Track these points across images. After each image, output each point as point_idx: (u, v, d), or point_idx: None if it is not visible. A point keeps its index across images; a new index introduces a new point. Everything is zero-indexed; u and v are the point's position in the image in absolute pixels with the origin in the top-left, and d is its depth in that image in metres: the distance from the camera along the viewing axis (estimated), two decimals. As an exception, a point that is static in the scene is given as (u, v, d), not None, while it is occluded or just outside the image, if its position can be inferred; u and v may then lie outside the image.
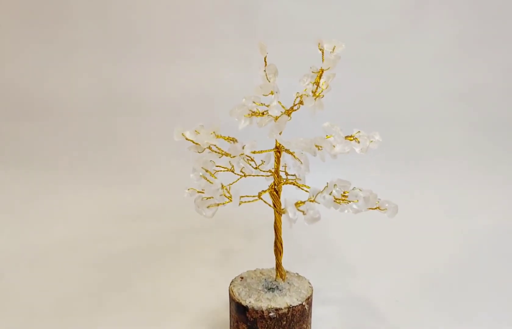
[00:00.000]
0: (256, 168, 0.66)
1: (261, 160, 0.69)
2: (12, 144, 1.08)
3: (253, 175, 0.65)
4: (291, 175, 0.67)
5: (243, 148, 0.54)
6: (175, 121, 1.06)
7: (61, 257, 0.89)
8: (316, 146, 0.53)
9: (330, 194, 0.53)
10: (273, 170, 0.64)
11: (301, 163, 0.65)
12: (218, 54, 1.07)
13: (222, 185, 0.55)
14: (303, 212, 0.49)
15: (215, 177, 0.55)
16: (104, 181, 1.06)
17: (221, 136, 0.54)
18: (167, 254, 0.91)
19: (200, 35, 1.06)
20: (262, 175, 0.66)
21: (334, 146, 0.53)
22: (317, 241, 0.96)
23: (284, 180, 0.64)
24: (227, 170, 0.65)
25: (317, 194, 0.51)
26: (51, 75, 1.07)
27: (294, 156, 0.65)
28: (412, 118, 1.12)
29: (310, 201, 0.50)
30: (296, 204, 0.50)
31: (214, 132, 0.52)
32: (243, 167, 0.65)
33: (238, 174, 0.65)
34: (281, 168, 0.66)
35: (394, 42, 1.11)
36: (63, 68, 1.07)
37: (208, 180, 0.54)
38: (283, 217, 0.58)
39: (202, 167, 0.54)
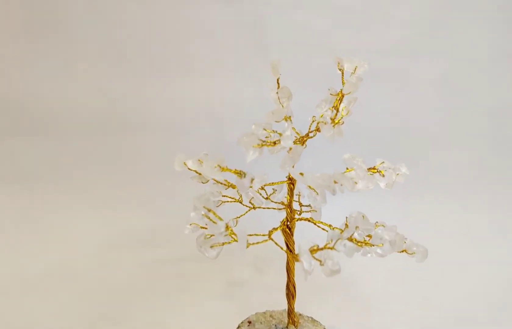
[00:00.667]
0: (266, 198, 0.60)
1: (273, 189, 0.62)
2: (7, 161, 1.02)
3: (263, 208, 0.59)
4: (306, 205, 0.60)
5: (251, 181, 0.48)
6: (181, 140, 1.00)
7: (55, 285, 0.83)
8: (335, 182, 0.46)
9: (351, 238, 0.46)
10: (285, 203, 0.58)
11: (317, 194, 0.58)
12: (227, 69, 1.01)
13: (227, 227, 0.48)
14: (320, 261, 0.42)
15: (220, 218, 0.48)
16: (105, 203, 1.00)
17: (226, 168, 0.47)
18: (169, 284, 0.84)
19: (208, 49, 1.00)
20: (273, 208, 0.60)
21: (356, 183, 0.46)
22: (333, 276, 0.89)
23: (298, 213, 0.57)
24: (234, 201, 0.58)
25: (337, 240, 0.44)
26: (49, 89, 1.02)
27: (309, 186, 0.59)
28: (436, 139, 1.05)
29: (328, 248, 0.43)
30: (312, 250, 0.44)
31: (218, 165, 0.46)
32: (253, 198, 0.58)
33: (246, 206, 0.59)
34: (294, 198, 0.59)
35: (415, 56, 1.04)
36: (62, 83, 1.02)
37: (211, 220, 0.47)
38: (297, 266, 0.51)
39: (204, 207, 0.47)
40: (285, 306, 0.59)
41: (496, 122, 1.04)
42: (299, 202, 0.60)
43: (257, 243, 0.52)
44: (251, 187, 0.47)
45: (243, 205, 0.59)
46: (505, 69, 1.04)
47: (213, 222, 0.47)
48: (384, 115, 1.05)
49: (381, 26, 1.02)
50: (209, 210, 0.47)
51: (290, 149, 0.49)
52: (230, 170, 0.48)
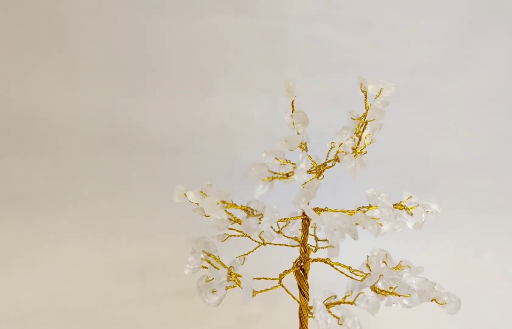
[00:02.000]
0: (278, 232, 0.54)
1: (286, 221, 0.56)
2: (0, 184, 0.98)
3: (274, 244, 0.53)
4: (322, 240, 0.54)
5: (259, 220, 0.42)
6: (189, 160, 0.95)
7: (50, 317, 0.78)
8: (357, 224, 0.40)
9: (374, 287, 0.40)
10: (299, 239, 0.52)
11: (335, 229, 0.52)
12: (240, 86, 0.95)
13: (230, 273, 0.42)
14: (338, 319, 0.36)
15: (222, 264, 0.42)
16: (105, 231, 0.94)
17: (232, 204, 0.41)
18: (173, 320, 0.78)
19: (220, 63, 0.95)
20: (285, 245, 0.54)
21: (381, 225, 0.39)
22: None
23: (313, 250, 0.51)
24: (242, 235, 0.53)
25: (358, 294, 0.37)
26: (50, 105, 0.97)
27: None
28: (464, 164, 0.97)
29: (348, 302, 0.37)
30: (329, 304, 0.37)
31: (222, 201, 0.40)
32: (262, 232, 0.52)
33: (255, 241, 0.53)
34: (310, 231, 0.53)
35: (443, 75, 0.96)
36: (64, 99, 0.97)
37: (212, 264, 0.42)
38: (311, 321, 0.44)
39: (203, 251, 0.41)
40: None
41: None
42: (314, 235, 0.54)
43: (266, 290, 0.46)
44: (259, 228, 0.41)
45: (252, 239, 0.53)
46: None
47: (214, 267, 0.41)
48: (408, 139, 0.98)
49: (406, 43, 0.96)
50: (209, 255, 0.41)
51: (305, 182, 0.43)
52: (236, 206, 0.42)
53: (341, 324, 0.36)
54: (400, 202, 0.47)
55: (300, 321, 0.50)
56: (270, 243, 0.52)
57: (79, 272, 0.88)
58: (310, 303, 0.44)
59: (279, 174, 0.42)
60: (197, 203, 0.46)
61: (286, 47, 0.96)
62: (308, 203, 0.42)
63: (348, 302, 0.38)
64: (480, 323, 0.76)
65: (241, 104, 0.96)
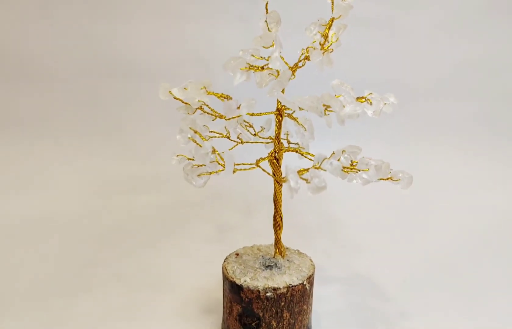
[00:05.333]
0: (255, 134, 0.60)
1: (261, 127, 0.62)
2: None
3: (251, 142, 0.58)
4: (294, 143, 0.60)
5: (238, 107, 0.47)
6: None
7: (41, 231, 0.83)
8: (324, 105, 0.46)
9: (338, 160, 0.46)
10: (273, 137, 0.57)
11: (305, 129, 0.58)
12: (214, 11, 0.98)
13: (214, 149, 0.48)
14: (306, 180, 0.42)
15: (205, 139, 0.48)
16: (91, 150, 0.98)
17: (213, 92, 0.47)
18: (157, 229, 0.85)
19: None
20: (261, 142, 0.59)
21: (344, 106, 0.45)
22: (320, 218, 0.90)
23: (286, 147, 0.57)
24: (222, 136, 0.58)
25: (323, 160, 0.44)
26: (30, 33, 0.98)
27: (297, 121, 0.58)
28: (425, 88, 1.04)
29: (315, 168, 0.44)
30: (299, 172, 0.44)
31: (204, 87, 0.45)
32: (240, 134, 0.58)
33: (234, 141, 0.58)
34: (282, 136, 0.59)
35: (408, 3, 1.02)
36: (43, 26, 0.98)
37: (197, 143, 0.47)
38: (284, 187, 0.51)
39: (190, 128, 0.47)
40: (272, 242, 0.60)
41: (485, 73, 1.03)
42: (287, 140, 0.60)
43: (244, 169, 0.52)
44: (239, 116, 0.46)
45: (231, 140, 0.58)
46: (504, 19, 1.01)
47: (199, 145, 0.46)
48: (376, 65, 1.04)
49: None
50: (195, 132, 0.47)
51: (278, 73, 0.48)
52: (217, 94, 0.47)
53: (309, 182, 0.42)
54: (363, 96, 0.53)
55: (275, 205, 0.56)
56: (247, 142, 0.58)
57: (66, 189, 0.92)
58: (283, 175, 0.50)
59: (255, 66, 0.48)
60: (180, 100, 0.50)
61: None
62: (283, 91, 0.48)
63: (315, 168, 0.44)
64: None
65: (216, 31, 1.00)
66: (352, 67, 0.95)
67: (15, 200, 0.90)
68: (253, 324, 0.53)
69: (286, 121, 0.59)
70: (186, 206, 0.91)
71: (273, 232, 0.57)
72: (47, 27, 0.97)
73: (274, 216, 0.56)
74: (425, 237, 0.83)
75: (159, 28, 0.98)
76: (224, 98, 0.47)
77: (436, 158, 1.00)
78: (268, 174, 0.54)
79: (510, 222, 0.89)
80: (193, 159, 0.53)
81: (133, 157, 0.98)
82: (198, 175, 0.51)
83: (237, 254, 0.59)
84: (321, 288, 0.67)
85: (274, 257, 0.58)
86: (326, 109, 0.47)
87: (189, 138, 0.47)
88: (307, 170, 0.44)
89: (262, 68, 0.48)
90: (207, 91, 0.46)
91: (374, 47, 1.01)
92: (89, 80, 0.98)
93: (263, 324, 0.53)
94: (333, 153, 0.50)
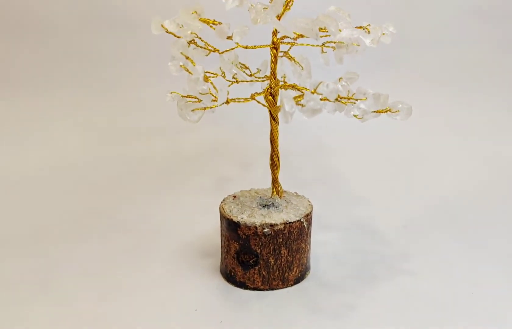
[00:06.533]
0: (250, 75, 0.58)
1: (257, 68, 0.60)
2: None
3: (247, 81, 0.57)
4: (291, 84, 0.59)
5: (230, 38, 0.46)
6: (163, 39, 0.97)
7: (40, 182, 0.83)
8: (320, 29, 0.44)
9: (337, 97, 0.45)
10: (268, 75, 0.56)
11: (302, 68, 0.57)
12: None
13: (206, 77, 0.47)
14: (302, 105, 0.41)
15: (195, 64, 0.46)
16: (88, 103, 0.98)
17: (204, 19, 0.45)
18: (155, 181, 0.84)
19: None
20: (257, 80, 0.58)
21: (340, 30, 0.44)
22: (320, 169, 0.89)
23: (282, 84, 0.56)
24: (216, 76, 0.57)
25: (319, 84, 0.43)
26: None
27: (294, 60, 0.57)
28: (426, 35, 1.01)
29: (311, 92, 0.42)
30: (294, 98, 0.43)
31: (195, 12, 0.44)
32: (236, 74, 0.57)
33: (229, 81, 0.57)
34: (279, 78, 0.58)
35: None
36: None
37: (188, 71, 0.46)
38: (279, 114, 0.50)
39: (181, 53, 0.45)
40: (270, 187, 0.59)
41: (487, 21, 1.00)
42: (284, 81, 0.59)
43: (238, 101, 0.51)
44: (232, 43, 0.44)
45: (226, 80, 0.57)
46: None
47: (190, 73, 0.45)
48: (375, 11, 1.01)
49: None
50: (187, 58, 0.45)
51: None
52: (209, 20, 0.46)
53: (304, 106, 0.41)
54: (360, 25, 0.51)
55: (271, 144, 0.55)
56: (243, 81, 0.57)
57: (63, 141, 0.92)
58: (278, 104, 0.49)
59: (248, -7, 0.46)
60: (172, 33, 0.49)
61: None
62: (279, 18, 0.46)
63: (311, 92, 0.43)
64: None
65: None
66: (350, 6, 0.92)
67: (15, 154, 0.90)
68: (251, 261, 0.53)
69: (283, 61, 0.57)
70: (184, 160, 0.90)
71: (270, 171, 0.56)
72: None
73: (271, 156, 0.56)
74: (426, 189, 0.83)
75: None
76: (216, 24, 0.46)
77: (438, 107, 0.99)
78: (263, 105, 0.53)
79: (509, 170, 0.88)
80: (187, 96, 0.52)
81: (132, 110, 0.98)
82: (192, 110, 0.50)
83: (235, 196, 0.59)
84: (320, 233, 0.67)
85: (271, 197, 0.57)
86: (323, 44, 0.46)
87: (181, 65, 0.46)
88: (302, 96, 0.43)
89: None
90: (199, 17, 0.44)
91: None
92: (86, 34, 0.97)
93: (261, 261, 0.53)
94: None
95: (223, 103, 0.47)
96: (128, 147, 0.92)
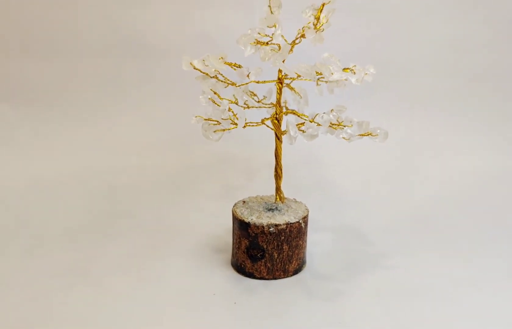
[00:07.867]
0: (258, 102, 0.71)
1: (263, 95, 0.73)
2: (15, 82, 1.10)
3: (256, 107, 0.70)
4: (291, 110, 0.71)
5: (248, 75, 0.59)
6: (177, 62, 1.09)
7: (67, 189, 0.94)
8: (316, 72, 0.57)
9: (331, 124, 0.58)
10: (275, 102, 0.69)
11: (301, 97, 0.70)
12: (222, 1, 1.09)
13: (229, 108, 0.59)
14: (302, 131, 0.54)
15: (222, 98, 0.59)
16: (109, 118, 1.11)
17: (228, 62, 0.58)
18: (170, 188, 0.96)
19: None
20: (264, 107, 0.70)
21: (332, 73, 0.57)
22: (315, 179, 1.01)
23: (285, 111, 0.69)
24: (231, 102, 0.69)
25: (316, 115, 0.55)
26: (53, 12, 1.09)
27: (294, 91, 0.70)
28: (406, 66, 1.13)
29: (310, 121, 0.55)
30: (297, 125, 0.55)
31: (222, 58, 0.56)
32: (247, 100, 0.69)
33: (241, 106, 0.70)
34: (282, 104, 0.70)
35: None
36: (65, 5, 1.09)
37: (215, 103, 0.58)
38: (284, 137, 0.63)
39: (210, 89, 0.58)
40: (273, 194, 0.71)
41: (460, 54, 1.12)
42: (285, 107, 0.72)
43: (252, 125, 0.63)
44: (246, 85, 0.57)
45: (239, 105, 0.69)
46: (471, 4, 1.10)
47: (217, 105, 0.57)
48: (361, 43, 1.13)
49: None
50: (215, 93, 0.58)
51: (279, 48, 0.59)
52: (231, 64, 0.58)
53: (304, 132, 0.53)
54: (347, 67, 0.64)
55: (276, 159, 0.68)
56: (253, 107, 0.69)
57: (87, 151, 1.05)
58: (283, 129, 0.62)
59: (261, 42, 0.59)
60: (199, 70, 0.62)
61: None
62: (284, 61, 0.59)
63: (310, 121, 0.56)
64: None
65: (222, 15, 1.11)
66: (340, 45, 1.05)
67: (41, 163, 1.01)
68: (258, 255, 0.65)
69: (284, 91, 0.70)
70: (195, 169, 1.03)
71: (274, 181, 0.69)
72: (72, 8, 1.09)
73: (275, 168, 0.68)
74: (408, 197, 0.95)
75: (171, 13, 1.09)
76: (237, 67, 0.58)
77: (417, 128, 1.12)
78: (271, 129, 0.65)
79: (482, 182, 1.00)
80: (209, 119, 0.65)
81: (148, 125, 1.10)
82: (214, 132, 0.62)
83: (244, 201, 0.71)
84: (315, 235, 0.79)
85: (275, 203, 0.69)
86: (318, 79, 0.59)
87: (209, 98, 0.58)
88: (303, 123, 0.56)
89: (267, 43, 0.59)
90: (224, 61, 0.57)
91: (360, 29, 1.11)
92: (107, 59, 1.10)
93: (267, 255, 0.65)
94: (324, 113, 0.61)
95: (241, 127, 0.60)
96: (147, 158, 1.04)
